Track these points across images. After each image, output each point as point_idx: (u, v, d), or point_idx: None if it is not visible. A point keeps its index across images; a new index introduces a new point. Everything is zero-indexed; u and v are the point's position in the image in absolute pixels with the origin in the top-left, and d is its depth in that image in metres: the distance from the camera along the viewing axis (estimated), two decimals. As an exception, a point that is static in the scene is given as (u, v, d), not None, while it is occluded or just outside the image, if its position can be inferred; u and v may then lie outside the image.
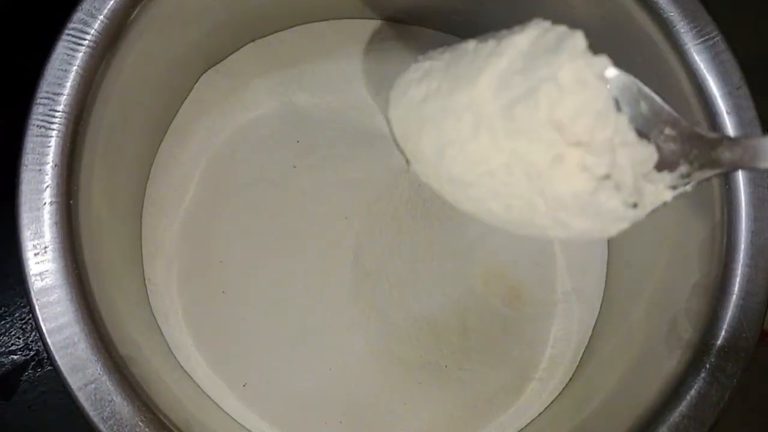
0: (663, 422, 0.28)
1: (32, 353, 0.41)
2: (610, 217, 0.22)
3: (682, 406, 0.28)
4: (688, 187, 0.23)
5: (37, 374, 0.40)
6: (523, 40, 0.22)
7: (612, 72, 0.23)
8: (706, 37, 0.30)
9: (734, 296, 0.29)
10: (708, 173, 0.23)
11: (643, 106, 0.23)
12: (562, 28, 0.22)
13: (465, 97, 0.22)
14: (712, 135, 0.23)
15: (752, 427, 0.45)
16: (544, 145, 0.21)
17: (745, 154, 0.22)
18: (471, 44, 0.23)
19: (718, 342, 0.28)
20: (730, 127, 0.30)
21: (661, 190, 0.23)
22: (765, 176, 0.30)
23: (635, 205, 0.22)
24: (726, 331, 0.29)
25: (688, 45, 0.31)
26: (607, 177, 0.21)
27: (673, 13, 0.31)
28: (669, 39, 0.31)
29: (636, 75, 0.34)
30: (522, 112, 0.21)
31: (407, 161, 0.26)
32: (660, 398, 0.29)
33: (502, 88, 0.21)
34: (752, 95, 0.30)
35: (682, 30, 0.31)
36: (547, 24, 0.22)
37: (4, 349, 0.40)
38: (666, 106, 0.24)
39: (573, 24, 0.34)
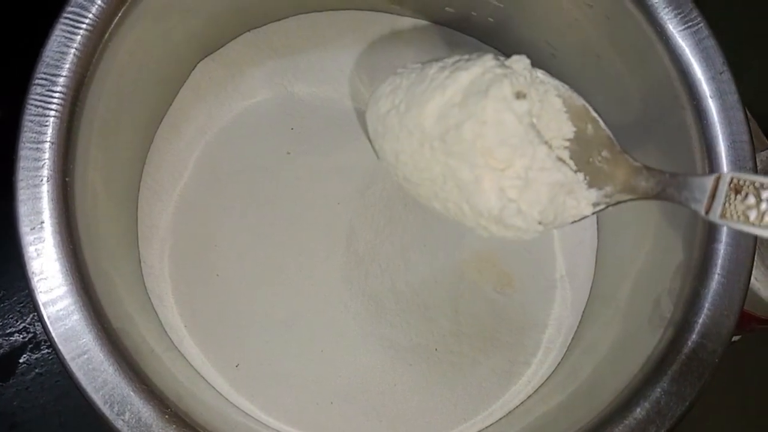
0: (645, 397, 0.28)
1: (30, 336, 0.41)
2: (517, 230, 0.26)
3: (664, 382, 0.28)
4: (610, 207, 0.27)
5: (34, 357, 0.41)
6: (466, 77, 0.26)
7: (572, 95, 0.27)
8: (690, 23, 0.31)
9: (716, 275, 0.29)
10: (625, 197, 0.26)
11: (589, 128, 0.27)
12: (499, 71, 0.26)
13: (415, 118, 0.27)
14: (636, 164, 0.26)
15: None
16: (469, 165, 0.25)
17: (656, 187, 0.25)
18: (433, 69, 0.27)
19: (700, 320, 0.29)
20: (714, 111, 0.31)
21: (583, 206, 0.27)
22: (747, 159, 0.30)
23: (540, 223, 0.26)
24: (708, 309, 0.29)
25: (673, 31, 0.31)
26: (513, 201, 0.25)
27: (657, 1, 0.31)
28: (654, 26, 0.32)
29: (624, 61, 0.35)
30: (453, 139, 0.26)
31: (377, 156, 0.30)
32: (642, 374, 0.29)
33: (442, 116, 0.26)
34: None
35: (667, 17, 0.31)
36: (491, 63, 0.26)
37: (2, 331, 0.41)
38: (607, 130, 0.27)
39: (563, 20, 0.35)
